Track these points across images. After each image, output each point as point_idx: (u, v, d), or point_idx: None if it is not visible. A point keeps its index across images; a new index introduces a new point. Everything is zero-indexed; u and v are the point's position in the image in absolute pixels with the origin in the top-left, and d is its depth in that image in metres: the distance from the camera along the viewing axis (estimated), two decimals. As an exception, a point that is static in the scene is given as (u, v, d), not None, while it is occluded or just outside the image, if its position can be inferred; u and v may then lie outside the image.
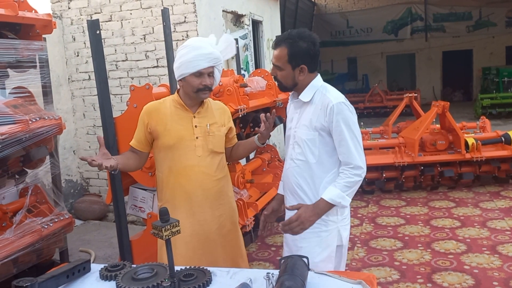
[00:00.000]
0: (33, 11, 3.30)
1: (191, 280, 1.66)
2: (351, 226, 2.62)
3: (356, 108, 2.63)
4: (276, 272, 1.62)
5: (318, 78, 2.19)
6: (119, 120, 2.99)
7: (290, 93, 2.31)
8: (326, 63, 18.37)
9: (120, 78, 5.68)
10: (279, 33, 8.25)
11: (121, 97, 5.66)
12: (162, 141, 2.35)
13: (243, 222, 3.38)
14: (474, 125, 6.77)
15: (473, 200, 5.48)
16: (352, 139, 2.05)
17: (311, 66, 2.14)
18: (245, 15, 6.90)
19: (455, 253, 4.00)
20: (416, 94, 7.38)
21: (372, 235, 4.57)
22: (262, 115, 2.34)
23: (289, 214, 2.25)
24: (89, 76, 5.78)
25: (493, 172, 5.89)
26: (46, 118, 3.22)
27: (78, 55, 5.85)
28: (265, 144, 2.40)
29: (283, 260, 1.68)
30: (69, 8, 5.78)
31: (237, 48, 6.37)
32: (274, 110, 2.29)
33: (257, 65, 7.53)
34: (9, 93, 3.27)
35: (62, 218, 3.42)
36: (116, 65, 5.67)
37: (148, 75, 5.54)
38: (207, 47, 2.29)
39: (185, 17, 5.32)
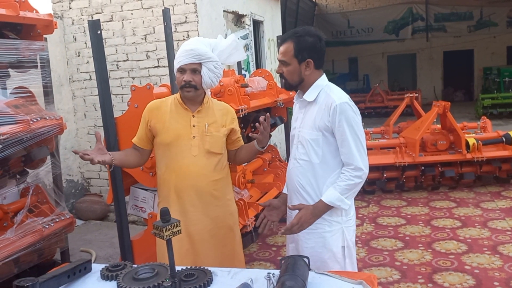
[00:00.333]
0: (34, 11, 3.30)
1: (192, 280, 1.67)
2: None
3: (357, 108, 2.62)
4: (277, 272, 1.63)
5: (323, 77, 2.16)
6: (120, 120, 2.99)
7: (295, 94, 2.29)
8: (327, 63, 18.27)
9: (121, 78, 5.69)
10: (280, 33, 8.24)
11: (122, 97, 5.66)
12: (160, 139, 2.36)
13: (244, 222, 3.38)
14: (475, 125, 6.76)
15: (474, 200, 5.47)
16: (354, 139, 2.03)
17: (318, 62, 2.12)
18: (246, 15, 6.90)
19: (456, 253, 4.00)
20: (417, 94, 7.36)
21: (373, 235, 4.57)
22: (260, 119, 2.30)
23: (290, 213, 2.25)
24: (90, 76, 5.78)
25: (494, 172, 5.88)
26: (47, 118, 3.22)
27: (79, 55, 5.85)
28: (265, 147, 2.38)
29: (283, 260, 1.68)
30: (70, 8, 5.78)
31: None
32: (268, 113, 2.21)
33: (258, 65, 7.52)
34: (10, 93, 3.26)
35: (63, 218, 3.42)
36: (117, 65, 5.67)
37: (149, 75, 5.54)
38: (192, 43, 2.28)
39: (186, 17, 5.32)
